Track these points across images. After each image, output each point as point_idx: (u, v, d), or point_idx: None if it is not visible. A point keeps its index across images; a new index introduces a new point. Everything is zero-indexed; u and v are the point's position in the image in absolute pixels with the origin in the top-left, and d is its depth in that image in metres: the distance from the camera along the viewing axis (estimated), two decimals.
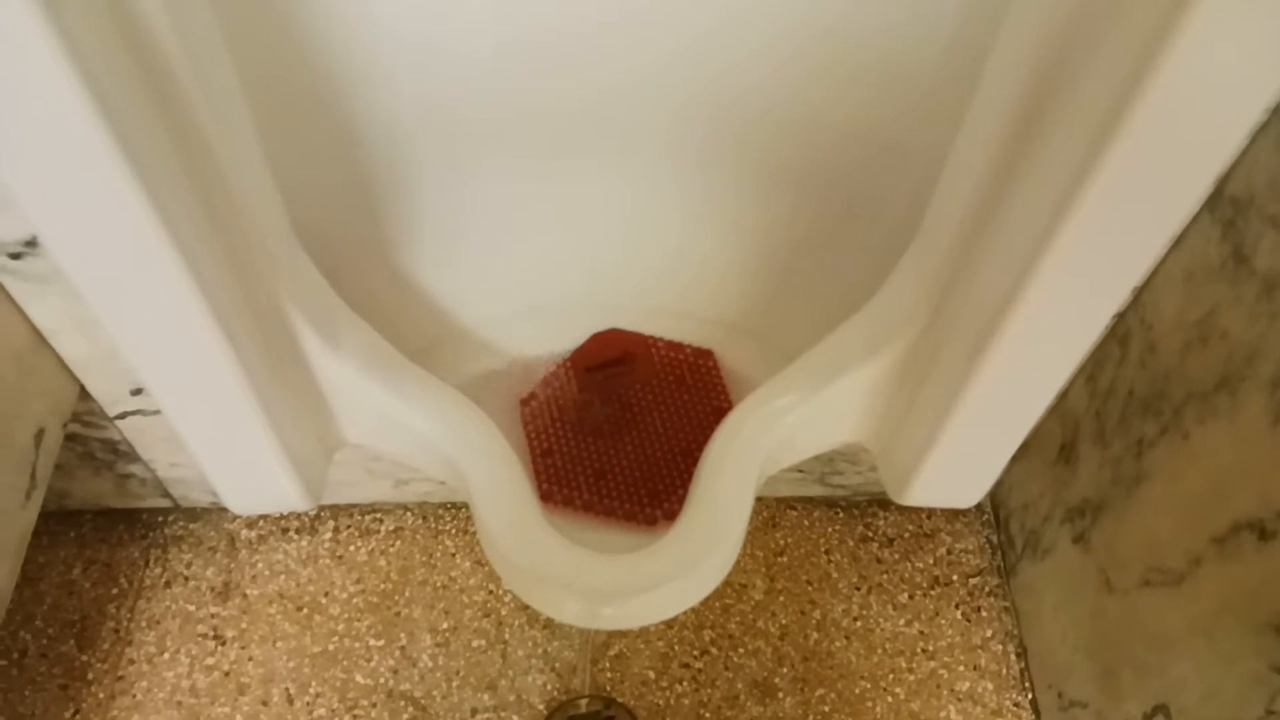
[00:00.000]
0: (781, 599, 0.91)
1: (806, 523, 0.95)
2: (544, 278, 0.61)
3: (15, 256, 0.64)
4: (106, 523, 0.95)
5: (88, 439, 0.84)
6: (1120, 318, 0.74)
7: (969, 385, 0.45)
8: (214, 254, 0.41)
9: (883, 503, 0.97)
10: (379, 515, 0.96)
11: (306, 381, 0.49)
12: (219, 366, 0.42)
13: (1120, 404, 0.75)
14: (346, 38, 0.47)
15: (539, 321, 0.61)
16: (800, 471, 0.92)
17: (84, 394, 0.78)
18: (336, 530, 0.95)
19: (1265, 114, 0.57)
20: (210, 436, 0.46)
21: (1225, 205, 0.62)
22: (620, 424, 0.60)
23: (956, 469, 0.50)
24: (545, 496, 0.57)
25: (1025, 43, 0.40)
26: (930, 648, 0.88)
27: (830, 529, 0.95)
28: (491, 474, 0.49)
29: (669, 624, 0.90)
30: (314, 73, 0.48)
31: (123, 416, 0.81)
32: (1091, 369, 0.78)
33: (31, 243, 0.63)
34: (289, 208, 0.47)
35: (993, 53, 0.43)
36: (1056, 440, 0.83)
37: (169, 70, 0.37)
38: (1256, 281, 0.60)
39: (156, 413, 0.80)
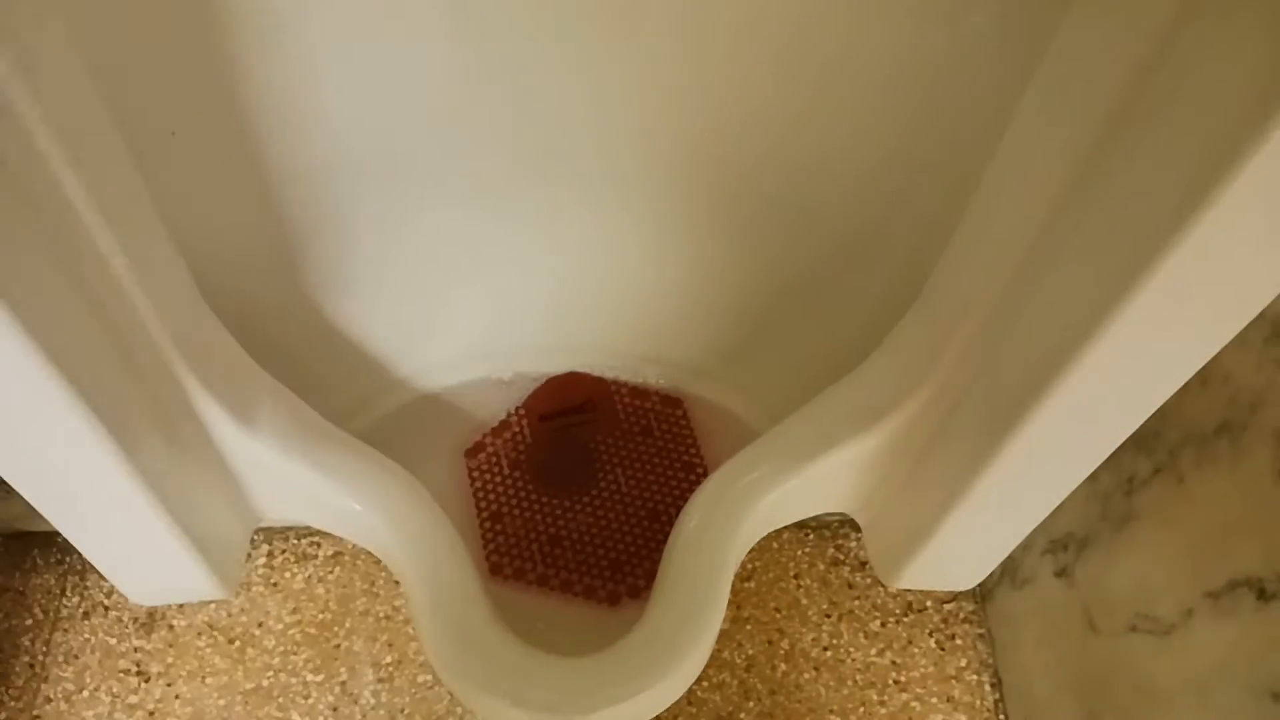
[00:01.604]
0: (748, 627, 0.86)
1: (775, 545, 0.90)
2: (496, 318, 0.55)
3: None
4: (19, 547, 0.88)
5: None
6: None
7: (986, 470, 0.40)
8: (91, 341, 0.34)
9: (854, 524, 0.92)
10: (316, 539, 0.89)
11: (217, 462, 0.42)
12: (102, 464, 0.35)
13: None
14: (271, 66, 0.40)
15: (490, 366, 0.55)
16: None
17: None
18: (270, 555, 0.88)
19: None
20: (95, 535, 0.40)
21: None
22: (579, 480, 0.54)
23: (959, 554, 0.45)
24: (494, 569, 0.51)
25: (1062, 109, 0.34)
26: (903, 678, 0.85)
27: (800, 552, 0.90)
28: (430, 565, 0.43)
29: None
30: (234, 107, 0.40)
31: None
32: None
33: None
34: (202, 257, 0.40)
35: (1018, 113, 0.37)
36: None
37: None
38: (1265, 325, 0.56)
39: None
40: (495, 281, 0.53)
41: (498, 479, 0.53)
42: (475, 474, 0.54)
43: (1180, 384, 0.36)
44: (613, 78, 0.44)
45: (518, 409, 0.56)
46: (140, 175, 0.35)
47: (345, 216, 0.46)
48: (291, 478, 0.43)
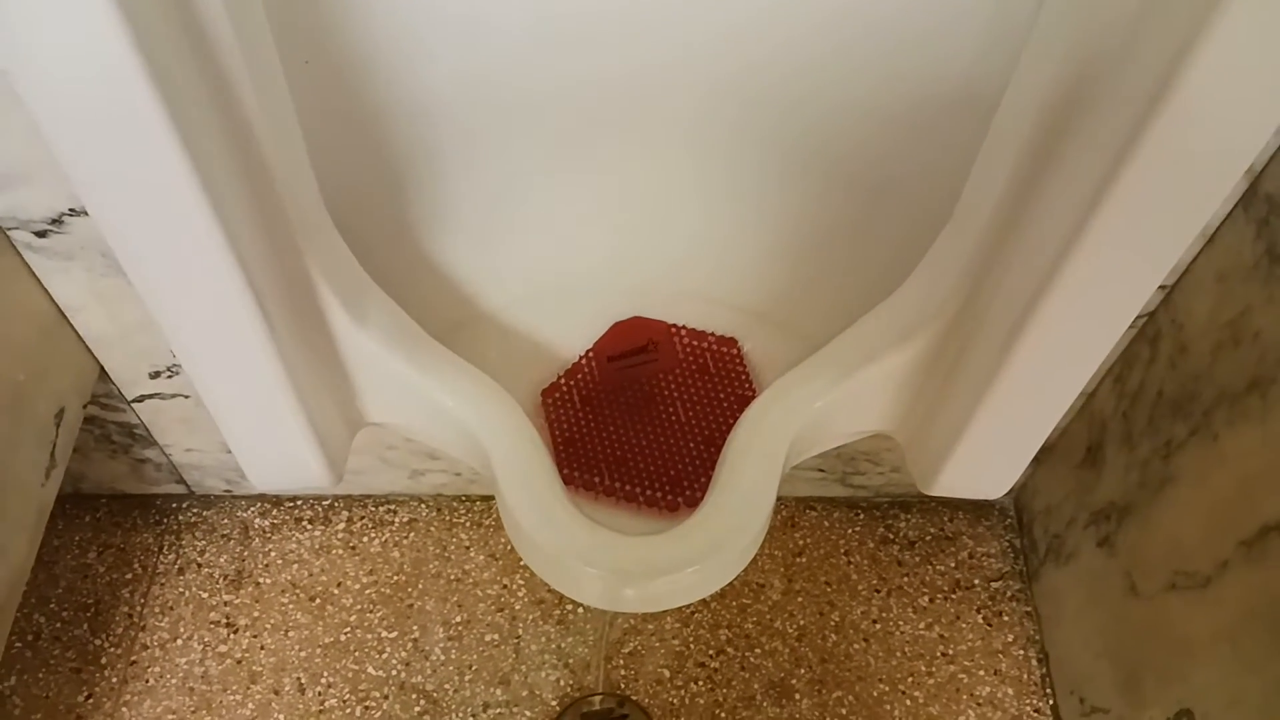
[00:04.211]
0: (800, 600, 0.90)
1: (826, 523, 0.94)
2: (568, 261, 0.60)
3: (41, 234, 0.64)
4: (121, 507, 0.95)
5: (105, 421, 0.84)
6: (1150, 318, 0.73)
7: (1001, 372, 0.44)
8: (249, 221, 0.40)
9: (904, 504, 0.96)
10: (393, 506, 0.95)
11: (331, 356, 0.48)
12: (250, 335, 0.42)
13: (1148, 406, 0.74)
14: (378, 8, 0.47)
15: (562, 306, 0.61)
16: (821, 471, 0.92)
17: (103, 376, 0.78)
18: (350, 521, 0.94)
19: None
20: (237, 407, 0.46)
21: (1260, 203, 0.62)
22: (643, 413, 0.60)
23: (986, 458, 0.49)
24: (566, 480, 0.56)
25: (1060, 35, 0.40)
26: (950, 651, 0.87)
27: (850, 530, 0.94)
28: (515, 452, 0.48)
29: (684, 622, 0.89)
30: (344, 43, 0.47)
31: (140, 400, 0.81)
32: (1120, 370, 0.77)
33: (58, 220, 0.63)
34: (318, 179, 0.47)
35: (1026, 45, 0.43)
36: (1082, 443, 0.82)
37: (213, 37, 0.36)
38: None
39: (174, 396, 0.80)
40: (568, 227, 0.59)
41: (570, 413, 0.59)
42: (550, 409, 0.59)
43: (1160, 275, 0.40)
44: (685, 40, 0.50)
45: (587, 352, 0.62)
46: (290, 92, 0.42)
47: (439, 154, 0.53)
48: (394, 374, 0.49)
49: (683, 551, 0.46)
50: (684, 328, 0.62)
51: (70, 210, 0.62)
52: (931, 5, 0.46)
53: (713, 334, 0.61)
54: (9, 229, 0.63)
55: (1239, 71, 0.33)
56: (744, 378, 0.60)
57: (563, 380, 0.60)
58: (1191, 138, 0.35)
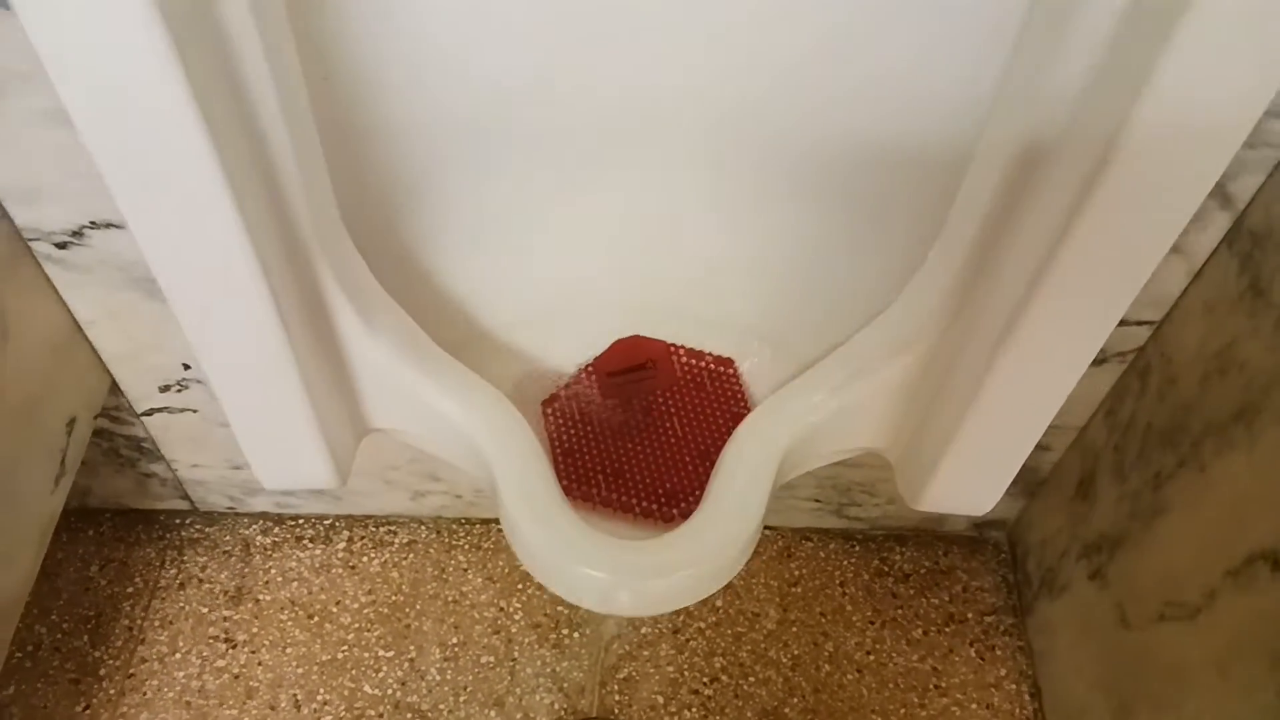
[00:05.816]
0: (794, 629, 0.91)
1: (822, 554, 0.95)
2: (568, 282, 0.62)
3: (62, 246, 0.66)
4: (125, 522, 0.96)
5: (114, 435, 0.85)
6: (1140, 351, 0.75)
7: (983, 389, 0.46)
8: (269, 230, 0.42)
9: (899, 537, 0.96)
10: (393, 527, 0.96)
11: (341, 362, 0.50)
12: (269, 339, 0.44)
13: (1139, 437, 0.75)
14: (381, 35, 0.49)
15: (562, 326, 0.63)
16: (817, 502, 0.93)
17: (114, 390, 0.80)
18: (350, 540, 0.95)
19: None
20: (252, 407, 0.48)
21: (1244, 238, 0.63)
22: (641, 428, 0.61)
23: (970, 474, 0.51)
24: (565, 491, 0.57)
25: (1024, 88, 0.43)
26: (943, 684, 0.88)
27: (846, 562, 0.95)
28: (516, 458, 0.50)
29: (679, 649, 0.89)
30: (351, 62, 0.49)
31: (150, 414, 0.82)
32: (1111, 403, 0.78)
33: (78, 233, 0.65)
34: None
35: (1005, 81, 0.45)
36: (1075, 475, 0.83)
37: (243, 59, 0.39)
38: (1274, 312, 0.61)
39: (183, 411, 0.82)
40: (568, 248, 0.61)
41: (569, 426, 0.60)
42: (550, 420, 0.61)
43: (1122, 309, 0.42)
44: (679, 65, 0.52)
45: (588, 367, 0.63)
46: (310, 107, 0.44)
47: (442, 176, 0.54)
48: (401, 382, 0.51)
49: (676, 555, 0.47)
50: (682, 347, 0.64)
51: (91, 223, 0.64)
52: (920, 43, 0.48)
53: (710, 354, 0.63)
54: (30, 240, 0.66)
55: (1174, 137, 0.36)
56: (740, 396, 0.62)
57: (563, 393, 0.62)
58: (1148, 172, 0.38)
